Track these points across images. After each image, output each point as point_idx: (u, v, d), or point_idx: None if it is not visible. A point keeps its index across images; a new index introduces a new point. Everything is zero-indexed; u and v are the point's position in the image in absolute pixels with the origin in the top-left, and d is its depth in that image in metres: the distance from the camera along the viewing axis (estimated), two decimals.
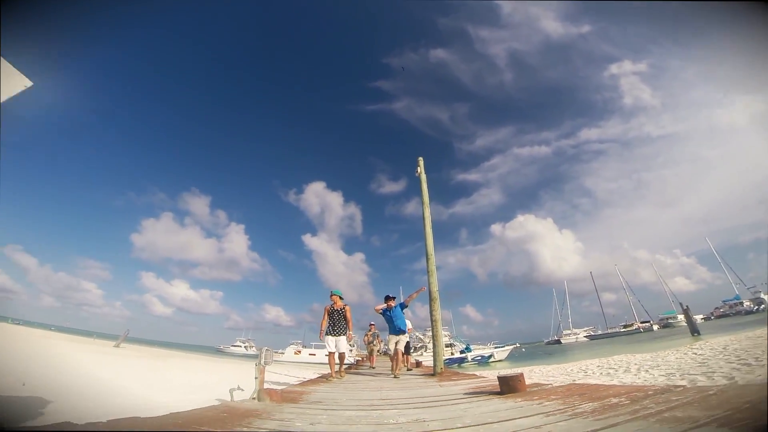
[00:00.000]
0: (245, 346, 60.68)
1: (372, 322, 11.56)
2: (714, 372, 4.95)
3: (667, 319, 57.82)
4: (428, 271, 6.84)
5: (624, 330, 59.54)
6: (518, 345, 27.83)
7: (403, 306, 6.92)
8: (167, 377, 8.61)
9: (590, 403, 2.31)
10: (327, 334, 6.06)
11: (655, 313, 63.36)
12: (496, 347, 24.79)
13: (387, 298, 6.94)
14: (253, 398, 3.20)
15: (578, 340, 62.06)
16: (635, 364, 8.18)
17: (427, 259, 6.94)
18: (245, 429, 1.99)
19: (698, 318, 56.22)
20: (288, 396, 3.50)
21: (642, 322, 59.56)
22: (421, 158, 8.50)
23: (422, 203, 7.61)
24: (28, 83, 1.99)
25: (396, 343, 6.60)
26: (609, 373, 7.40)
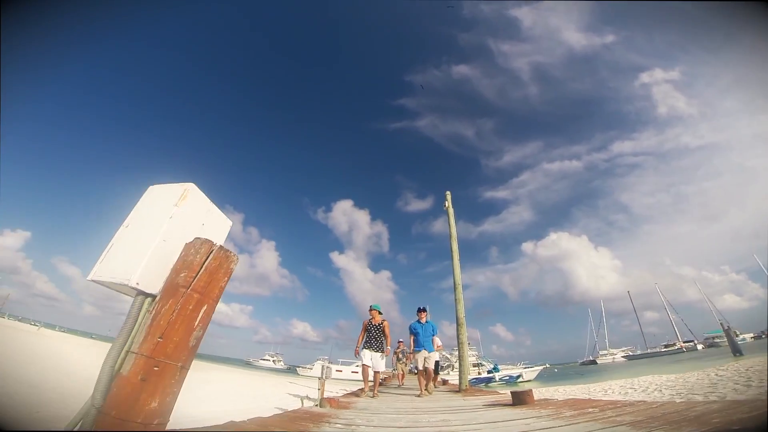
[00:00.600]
0: (273, 360, 62.23)
1: (400, 340, 11.66)
2: (715, 392, 5.47)
3: (713, 338, 54.92)
4: (456, 299, 7.69)
5: (665, 350, 56.88)
6: (548, 365, 27.42)
7: (434, 329, 6.51)
8: (222, 389, 9.77)
9: (572, 411, 3.13)
10: (364, 348, 5.97)
11: (700, 332, 59.97)
12: (525, 367, 24.66)
13: (419, 311, 6.57)
14: (317, 405, 4.20)
15: (615, 360, 59.58)
16: (655, 385, 8.52)
17: (455, 288, 7.79)
18: (328, 425, 2.97)
19: (749, 337, 52.73)
20: (342, 404, 4.47)
21: (685, 342, 56.65)
22: (449, 192, 9.41)
23: (450, 236, 8.49)
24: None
25: (425, 360, 6.24)
26: (627, 393, 7.84)
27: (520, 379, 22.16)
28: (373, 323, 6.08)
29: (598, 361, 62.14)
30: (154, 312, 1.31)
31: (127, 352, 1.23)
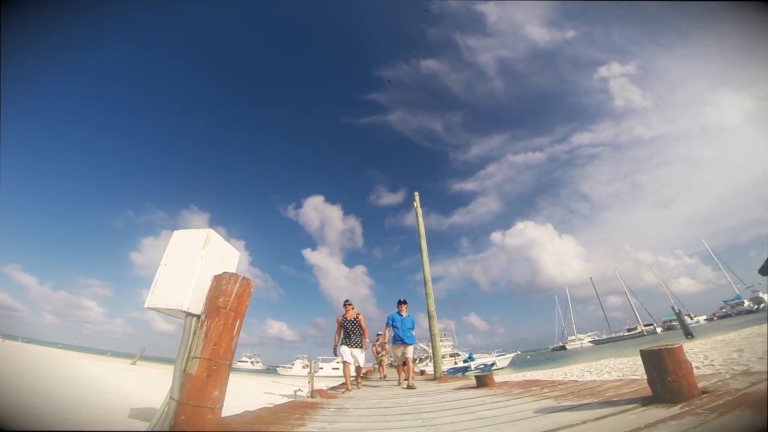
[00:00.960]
0: (252, 362, 61.85)
1: (379, 333, 11.55)
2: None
3: (670, 321, 58.24)
4: (426, 294, 8.39)
5: (628, 334, 60.30)
6: (519, 353, 29.09)
7: (413, 323, 6.51)
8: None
9: (519, 390, 3.86)
10: (342, 344, 5.84)
11: (659, 315, 64.01)
12: (498, 355, 26.11)
13: (400, 303, 6.49)
14: (308, 396, 4.76)
15: (583, 345, 62.78)
16: (609, 367, 9.62)
17: (425, 284, 8.49)
18: (323, 410, 3.54)
19: (701, 319, 56.76)
20: (331, 395, 5.05)
21: (645, 326, 60.12)
22: (417, 193, 10.13)
23: (419, 235, 9.21)
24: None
25: (403, 353, 6.27)
26: (583, 375, 8.86)
27: (494, 367, 23.50)
28: (347, 318, 5.92)
29: (567, 347, 65.09)
30: (205, 327, 1.83)
31: (190, 357, 1.75)
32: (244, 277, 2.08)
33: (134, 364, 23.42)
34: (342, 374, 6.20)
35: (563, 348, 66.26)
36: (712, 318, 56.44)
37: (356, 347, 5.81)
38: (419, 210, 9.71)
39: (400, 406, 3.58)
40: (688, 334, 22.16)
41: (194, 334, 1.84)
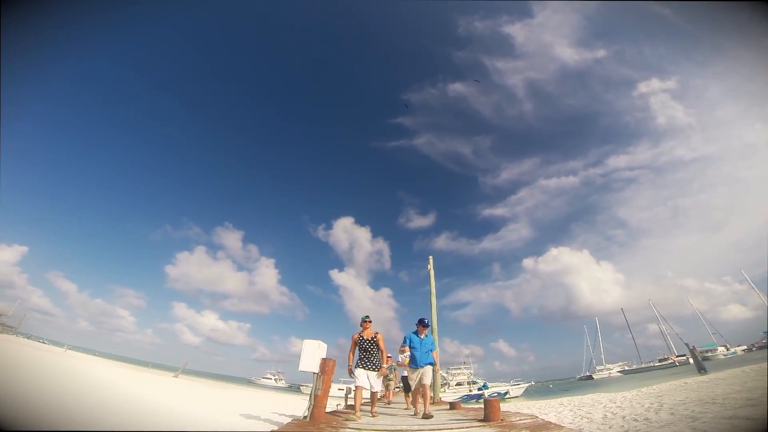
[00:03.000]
0: (275, 379, 63.44)
1: (389, 355, 10.64)
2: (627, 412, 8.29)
3: (706, 352, 55.81)
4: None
5: (659, 364, 58.18)
6: (533, 383, 29.94)
7: (432, 344, 5.96)
8: (255, 406, 12.38)
9: (497, 425, 5.98)
10: (357, 366, 5.30)
11: (699, 344, 60.74)
12: (513, 385, 27.21)
13: (420, 323, 5.90)
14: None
15: (611, 375, 60.80)
16: (587, 404, 11.18)
17: (432, 332, 10.62)
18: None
19: (739, 350, 53.80)
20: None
21: (678, 356, 57.76)
22: (431, 257, 12.42)
23: (430, 293, 11.44)
24: None
25: (422, 376, 5.62)
26: (560, 410, 10.57)
27: (508, 396, 24.64)
28: (364, 337, 5.39)
29: (595, 377, 62.99)
30: (322, 380, 4.34)
31: (316, 390, 4.27)
32: (330, 359, 4.56)
33: (176, 377, 25.69)
34: (351, 397, 5.96)
35: (590, 378, 64.36)
36: (751, 349, 53.40)
37: (373, 370, 5.27)
38: (432, 273, 12.00)
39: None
40: (701, 369, 22.54)
41: (317, 379, 4.36)
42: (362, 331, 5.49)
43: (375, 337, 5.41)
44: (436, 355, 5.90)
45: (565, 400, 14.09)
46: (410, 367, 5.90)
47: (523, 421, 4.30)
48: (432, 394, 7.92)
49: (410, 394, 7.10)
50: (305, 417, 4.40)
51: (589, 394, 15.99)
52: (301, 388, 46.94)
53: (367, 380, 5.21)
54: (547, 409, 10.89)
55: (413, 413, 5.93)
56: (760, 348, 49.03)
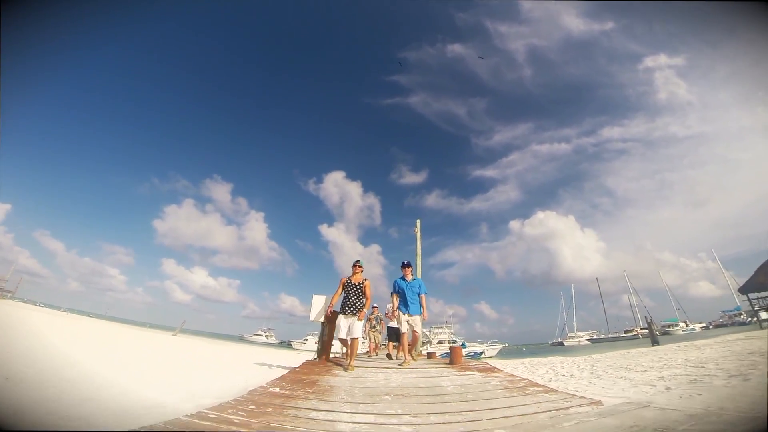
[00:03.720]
0: (266, 336, 65.69)
1: (375, 305, 10.54)
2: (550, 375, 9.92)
3: (669, 326, 58.21)
4: None
5: (623, 335, 61.52)
6: (507, 345, 32.93)
7: (421, 287, 5.73)
8: (261, 359, 13.97)
9: (464, 367, 7.42)
10: (340, 312, 5.09)
11: (666, 317, 64.06)
12: (489, 346, 29.93)
13: (404, 266, 5.77)
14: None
15: (580, 342, 63.78)
16: (539, 364, 12.87)
17: None
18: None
19: (698, 326, 57.40)
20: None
21: (642, 328, 61.34)
22: (418, 220, 13.35)
23: (416, 254, 12.56)
24: None
25: (409, 322, 5.56)
26: (517, 367, 12.33)
27: (483, 355, 27.23)
28: (352, 281, 5.16)
29: (566, 343, 66.10)
30: (327, 327, 5.57)
31: (325, 336, 5.50)
32: (335, 311, 5.59)
33: (176, 335, 26.92)
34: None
35: (561, 344, 67.56)
36: (708, 327, 56.46)
37: (353, 314, 5.01)
38: (419, 235, 13.03)
39: (392, 378, 7.20)
40: (655, 342, 25.11)
41: (324, 327, 5.59)
42: (352, 276, 5.26)
43: (363, 283, 5.18)
44: (424, 300, 5.59)
45: (527, 360, 16.08)
46: (399, 311, 5.64)
47: (477, 366, 5.65)
48: (418, 347, 8.10)
49: (397, 344, 7.32)
50: (315, 359, 5.64)
51: (549, 356, 18.10)
52: (291, 344, 49.96)
53: (347, 329, 4.96)
54: (509, 366, 12.64)
55: (401, 362, 5.63)
56: (716, 327, 51.34)
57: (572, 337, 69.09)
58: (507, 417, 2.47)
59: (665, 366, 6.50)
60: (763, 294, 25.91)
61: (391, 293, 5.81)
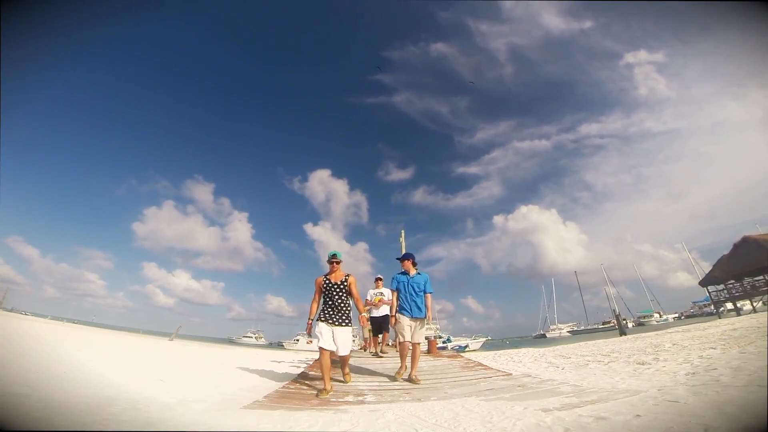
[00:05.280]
0: (255, 337, 64.55)
1: (368, 297, 8.59)
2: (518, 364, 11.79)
3: (643, 317, 60.67)
4: None
5: (602, 326, 63.26)
6: (490, 338, 35.16)
7: (426, 283, 4.65)
8: (262, 362, 15.32)
9: (439, 357, 9.18)
10: (320, 320, 3.92)
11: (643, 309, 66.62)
12: (473, 340, 32.09)
13: (404, 259, 4.84)
14: None
15: (561, 334, 65.37)
16: (517, 354, 14.79)
17: None
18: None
19: (671, 317, 60.35)
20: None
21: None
22: (403, 230, 15.05)
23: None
24: None
25: (412, 330, 4.47)
26: (510, 357, 14.26)
27: (467, 348, 29.19)
28: (332, 281, 4.01)
29: (548, 335, 68.16)
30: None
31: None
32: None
33: (171, 340, 27.12)
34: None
35: (543, 336, 69.42)
36: (680, 317, 59.28)
37: (341, 324, 3.94)
38: (404, 244, 14.76)
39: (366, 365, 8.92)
40: (623, 333, 27.50)
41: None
42: (329, 273, 4.08)
43: (346, 280, 4.04)
44: (429, 301, 4.58)
45: (504, 351, 18.02)
46: (399, 314, 4.57)
47: (446, 354, 7.47)
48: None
49: (378, 337, 7.78)
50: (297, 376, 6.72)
51: (522, 348, 20.13)
52: (283, 344, 50.80)
53: (332, 340, 3.83)
54: (487, 359, 14.51)
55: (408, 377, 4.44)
56: (687, 317, 53.02)
57: (554, 329, 71.12)
58: (455, 380, 4.24)
59: (596, 354, 8.33)
60: (720, 287, 28.59)
61: (392, 290, 4.77)
